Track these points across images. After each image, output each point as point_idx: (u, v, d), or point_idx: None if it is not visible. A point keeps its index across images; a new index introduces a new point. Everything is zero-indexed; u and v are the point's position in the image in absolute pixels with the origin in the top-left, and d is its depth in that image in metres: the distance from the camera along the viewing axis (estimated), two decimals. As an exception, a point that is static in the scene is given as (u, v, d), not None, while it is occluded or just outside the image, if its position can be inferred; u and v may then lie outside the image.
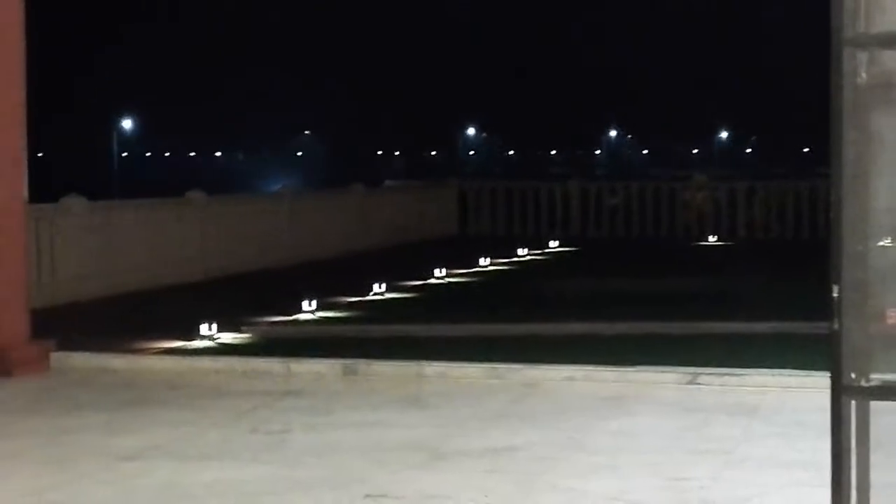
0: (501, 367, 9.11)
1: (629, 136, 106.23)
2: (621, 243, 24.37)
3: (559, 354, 9.89)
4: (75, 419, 7.85)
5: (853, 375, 3.71)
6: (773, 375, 8.80)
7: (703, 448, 6.99)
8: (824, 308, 3.76)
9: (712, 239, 24.36)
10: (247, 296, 15.32)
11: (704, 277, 17.54)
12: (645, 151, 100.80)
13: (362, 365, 9.32)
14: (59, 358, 9.59)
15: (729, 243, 23.97)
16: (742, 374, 8.87)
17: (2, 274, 9.34)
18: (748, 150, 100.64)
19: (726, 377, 8.80)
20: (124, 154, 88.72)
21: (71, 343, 10.02)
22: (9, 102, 9.43)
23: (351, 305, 14.48)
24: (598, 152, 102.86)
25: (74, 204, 15.19)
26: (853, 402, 3.75)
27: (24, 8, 9.52)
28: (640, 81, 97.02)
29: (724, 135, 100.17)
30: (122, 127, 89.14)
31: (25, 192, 9.66)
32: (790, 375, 8.70)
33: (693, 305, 14.02)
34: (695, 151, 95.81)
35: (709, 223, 25.20)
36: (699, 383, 8.73)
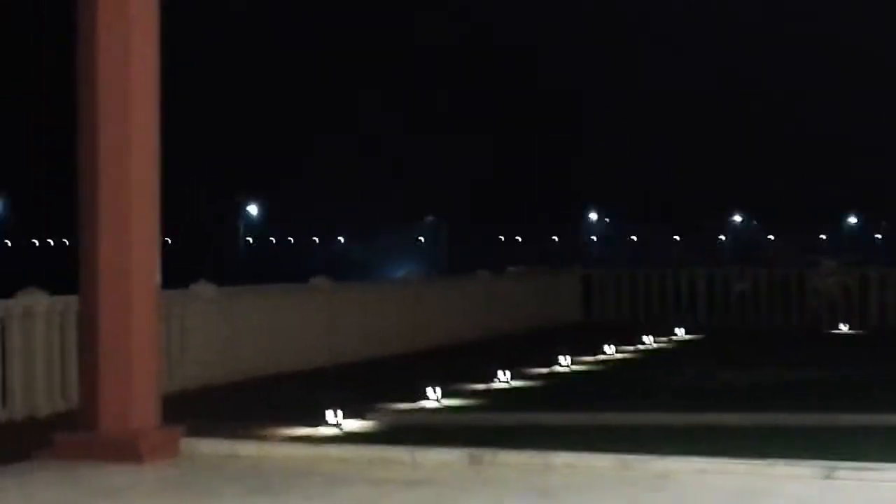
0: (631, 458, 8.93)
1: (754, 222, 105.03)
2: (749, 331, 23.93)
3: (689, 445, 9.69)
4: (204, 506, 7.87)
5: None
6: (913, 470, 8.51)
7: (843, 547, 6.75)
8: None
9: (843, 327, 23.81)
10: (371, 382, 15.33)
11: (836, 367, 17.10)
12: (771, 237, 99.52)
13: (488, 454, 9.21)
14: (188, 444, 9.65)
15: (860, 332, 23.40)
16: (881, 469, 8.58)
17: (135, 360, 9.46)
18: (878, 236, 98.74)
19: (864, 472, 8.52)
20: (249, 239, 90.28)
21: (199, 429, 10.09)
22: (146, 186, 9.60)
23: (476, 393, 14.40)
24: (721, 238, 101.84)
25: (203, 290, 15.41)
26: None
27: (158, 102, 9.73)
28: (766, 165, 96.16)
29: (852, 220, 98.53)
30: (247, 213, 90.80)
31: (159, 278, 9.81)
32: (931, 470, 8.40)
33: (826, 396, 13.68)
34: (822, 237, 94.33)
35: (840, 310, 24.65)
36: (836, 478, 8.46)
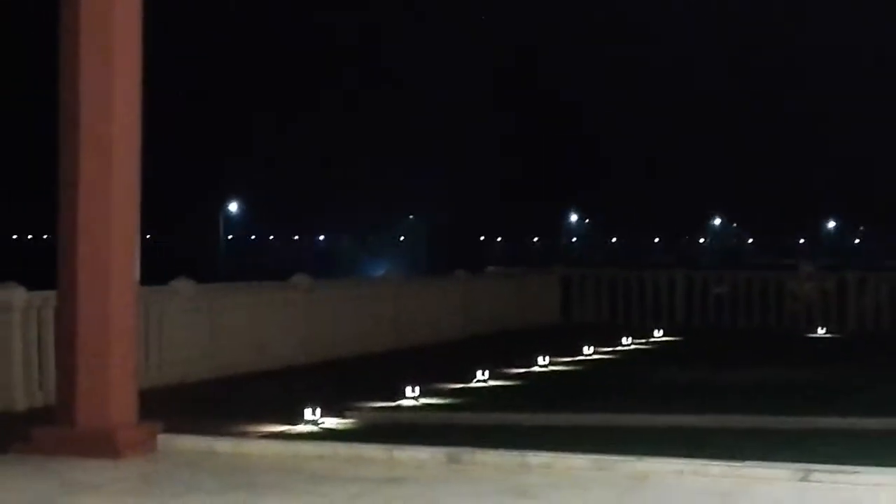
0: (608, 459, 8.95)
1: (734, 225, 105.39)
2: (727, 333, 24.02)
3: (666, 446, 9.72)
4: (181, 502, 7.87)
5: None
6: (887, 473, 8.55)
7: (818, 548, 6.79)
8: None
9: (821, 330, 23.90)
10: (350, 380, 15.34)
11: (814, 370, 17.18)
12: (750, 241, 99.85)
13: (466, 453, 9.23)
14: (165, 440, 9.64)
15: (838, 335, 23.50)
16: (855, 472, 8.63)
17: (112, 356, 9.45)
18: (856, 241, 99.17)
19: (840, 474, 8.56)
20: (230, 237, 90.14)
21: (177, 425, 10.08)
22: (125, 184, 9.59)
23: (454, 392, 14.42)
24: (702, 241, 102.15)
25: (182, 287, 15.39)
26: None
27: (140, 97, 9.73)
28: (746, 170, 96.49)
29: (831, 224, 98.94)
30: (228, 210, 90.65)
31: (137, 274, 9.79)
32: (906, 474, 8.45)
33: (802, 399, 13.75)
34: (801, 241, 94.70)
35: (818, 314, 24.75)
36: (812, 480, 8.50)
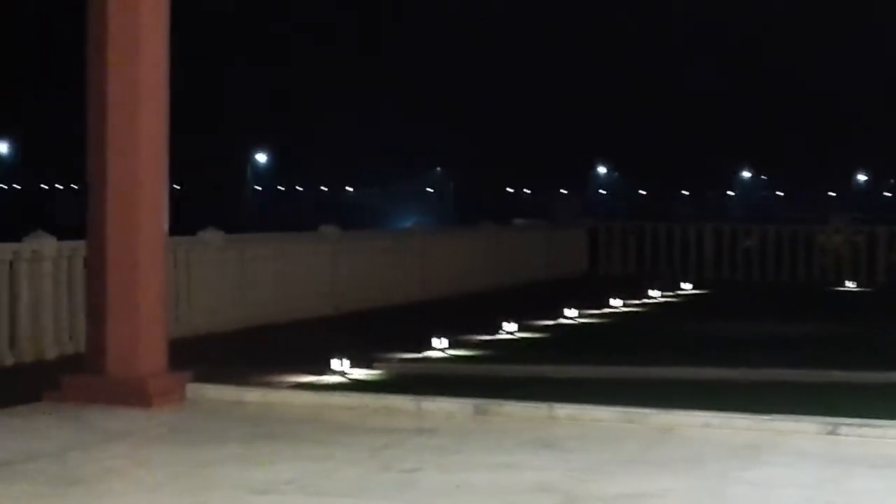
0: (635, 412, 8.97)
1: (763, 177, 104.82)
2: (755, 287, 23.96)
3: (694, 399, 9.72)
4: (210, 451, 7.93)
5: None
6: (916, 427, 8.54)
7: (844, 502, 6.80)
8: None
9: (850, 284, 23.81)
10: (378, 331, 15.38)
11: (843, 324, 17.13)
12: (780, 193, 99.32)
13: (493, 405, 9.27)
14: (194, 389, 9.71)
15: (867, 289, 23.41)
16: (883, 426, 8.61)
17: (142, 306, 9.51)
18: (886, 193, 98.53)
19: (867, 428, 8.56)
20: (258, 188, 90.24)
21: (205, 375, 10.14)
22: (153, 135, 9.61)
23: (481, 344, 14.45)
24: (730, 193, 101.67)
25: (211, 237, 15.42)
26: None
27: (167, 44, 9.72)
28: (776, 122, 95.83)
29: (861, 178, 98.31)
30: (256, 161, 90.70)
31: (166, 225, 9.83)
32: (934, 428, 8.43)
33: (830, 352, 13.71)
34: (831, 194, 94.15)
35: (847, 267, 24.64)
36: (839, 433, 8.49)
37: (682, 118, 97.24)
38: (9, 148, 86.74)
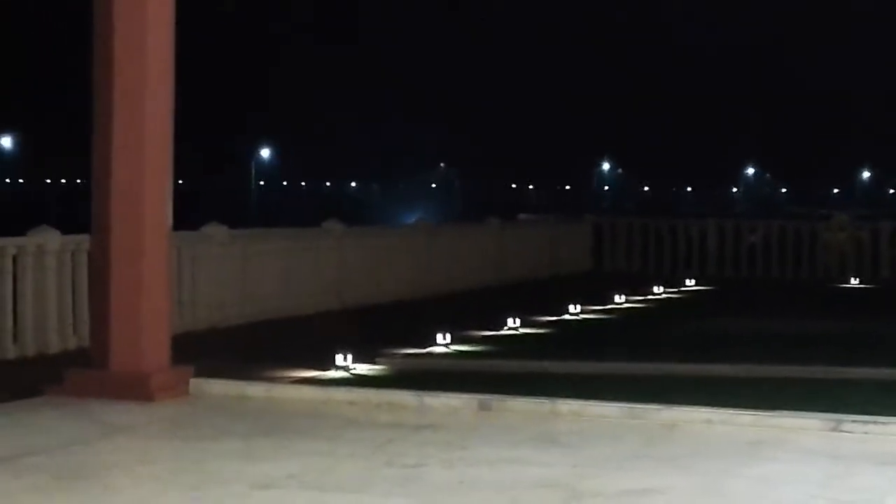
0: (638, 408, 8.96)
1: (767, 175, 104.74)
2: (759, 283, 23.93)
3: (697, 396, 9.71)
4: (213, 445, 7.93)
5: None
6: (920, 424, 8.52)
7: (848, 499, 6.78)
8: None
9: (854, 281, 23.78)
10: (381, 327, 15.38)
11: (846, 320, 17.10)
12: (784, 190, 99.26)
13: (497, 401, 9.26)
14: (197, 384, 9.71)
15: (871, 285, 23.38)
16: (887, 423, 8.60)
17: (146, 301, 9.50)
18: (891, 191, 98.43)
19: (871, 424, 8.54)
20: (261, 183, 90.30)
21: (208, 370, 10.14)
22: (158, 130, 9.61)
23: (485, 339, 14.44)
24: (735, 190, 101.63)
25: (215, 232, 15.42)
26: None
27: (174, 39, 9.73)
28: (778, 119, 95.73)
29: (866, 174, 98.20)
30: (260, 157, 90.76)
31: (170, 220, 9.83)
32: (938, 425, 8.41)
33: (834, 349, 13.69)
34: (835, 191, 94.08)
35: (851, 264, 24.61)
36: (843, 430, 8.48)
37: (685, 116, 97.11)
38: (20, 143, 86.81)
